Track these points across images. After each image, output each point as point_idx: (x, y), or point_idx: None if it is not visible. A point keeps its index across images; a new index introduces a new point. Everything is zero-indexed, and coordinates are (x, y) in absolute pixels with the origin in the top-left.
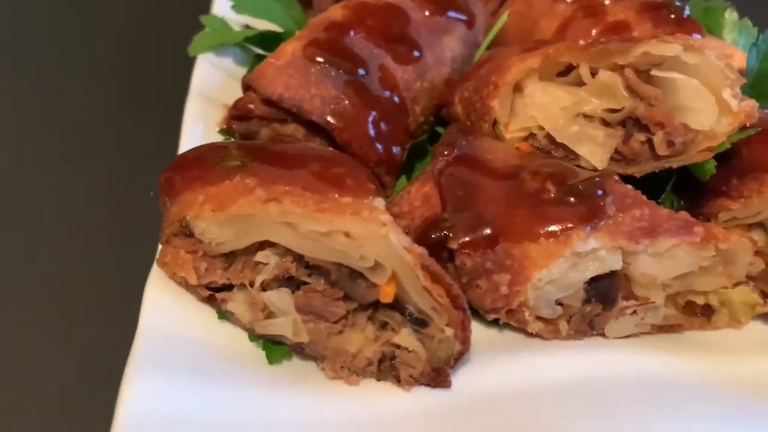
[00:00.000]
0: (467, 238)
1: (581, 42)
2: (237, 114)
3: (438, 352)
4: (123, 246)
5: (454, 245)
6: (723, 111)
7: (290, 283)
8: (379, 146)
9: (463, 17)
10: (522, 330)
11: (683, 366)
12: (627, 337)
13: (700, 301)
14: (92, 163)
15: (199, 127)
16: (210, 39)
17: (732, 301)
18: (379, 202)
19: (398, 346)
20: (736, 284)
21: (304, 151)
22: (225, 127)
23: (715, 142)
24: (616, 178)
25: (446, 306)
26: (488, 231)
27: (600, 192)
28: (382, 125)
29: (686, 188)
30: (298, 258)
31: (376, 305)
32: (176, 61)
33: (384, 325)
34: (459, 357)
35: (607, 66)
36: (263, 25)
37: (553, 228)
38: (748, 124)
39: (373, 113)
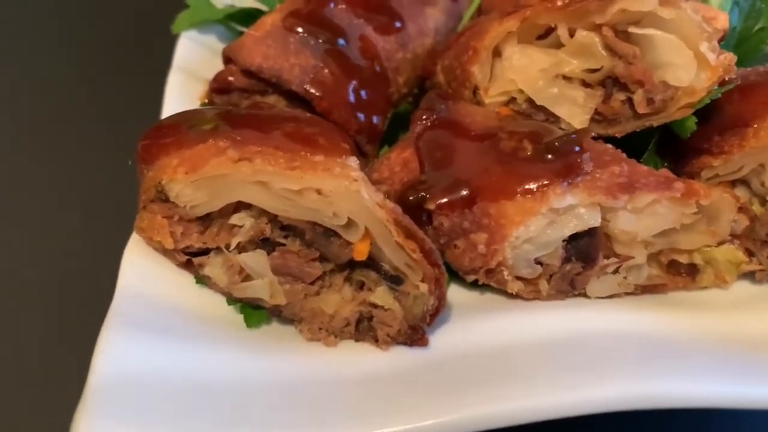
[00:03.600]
0: (445, 199)
1: (559, 2)
2: (217, 87)
3: (414, 309)
4: (109, 218)
5: (431, 206)
6: (701, 65)
7: (266, 244)
8: (359, 115)
9: None
10: (503, 292)
11: (667, 324)
12: (610, 297)
13: (684, 260)
14: (78, 138)
15: (180, 101)
16: (192, 17)
17: (716, 259)
18: (353, 161)
19: (375, 305)
20: (721, 242)
21: (279, 114)
22: (207, 101)
23: (695, 98)
24: (594, 135)
25: (420, 261)
26: (465, 191)
27: (577, 148)
28: (363, 94)
29: (669, 149)
30: (273, 219)
31: (353, 266)
32: (164, 42)
33: (361, 286)
34: (435, 313)
35: (585, 26)
36: (249, 4)
37: (529, 185)
38: (727, 78)
39: (353, 82)
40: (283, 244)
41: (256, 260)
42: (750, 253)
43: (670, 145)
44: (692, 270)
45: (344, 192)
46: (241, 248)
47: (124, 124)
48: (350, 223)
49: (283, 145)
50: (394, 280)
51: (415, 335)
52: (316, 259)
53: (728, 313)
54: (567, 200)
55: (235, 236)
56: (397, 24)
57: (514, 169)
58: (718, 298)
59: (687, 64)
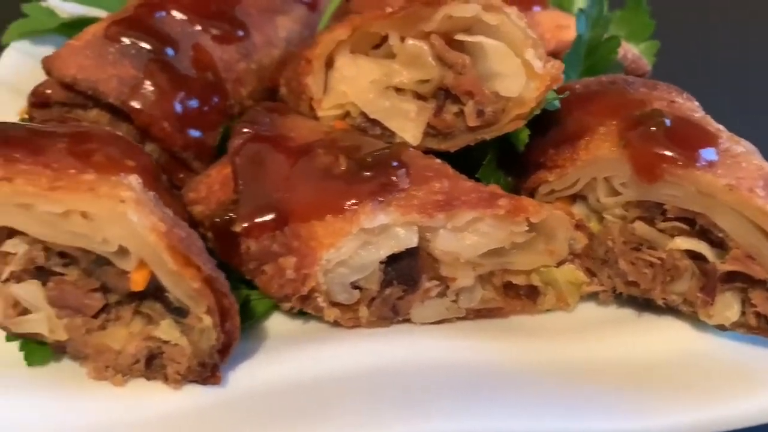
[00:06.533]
0: (252, 221)
1: (388, 9)
2: (35, 101)
3: (201, 344)
4: None
5: (237, 229)
6: (529, 75)
7: (41, 274)
8: (185, 129)
9: None
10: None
11: (503, 353)
12: (441, 322)
13: (521, 281)
14: None
15: None
16: (24, 26)
17: (557, 280)
18: (134, 180)
19: (164, 341)
20: (561, 263)
21: (69, 129)
22: (27, 116)
23: (526, 109)
24: (411, 149)
25: (200, 290)
26: (276, 211)
27: (395, 164)
28: (190, 107)
29: (511, 163)
30: (49, 246)
31: (142, 296)
32: None
33: (150, 319)
34: (225, 348)
35: (415, 34)
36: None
37: (339, 204)
38: (555, 87)
39: (180, 94)
40: (62, 274)
41: (29, 291)
42: (591, 273)
43: (513, 160)
44: (532, 292)
45: (110, 215)
46: (16, 278)
47: None
48: (123, 250)
49: (54, 163)
50: (179, 312)
51: (204, 372)
52: (98, 290)
53: (571, 339)
54: (379, 220)
55: (8, 265)
56: (240, 33)
57: (326, 187)
58: (563, 323)
59: (516, 73)
